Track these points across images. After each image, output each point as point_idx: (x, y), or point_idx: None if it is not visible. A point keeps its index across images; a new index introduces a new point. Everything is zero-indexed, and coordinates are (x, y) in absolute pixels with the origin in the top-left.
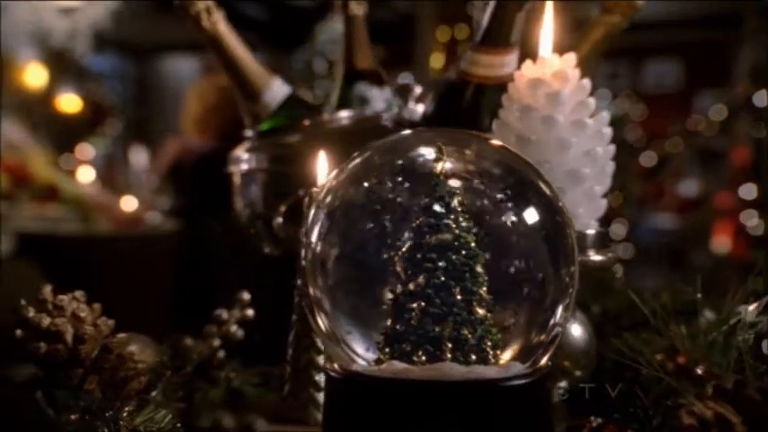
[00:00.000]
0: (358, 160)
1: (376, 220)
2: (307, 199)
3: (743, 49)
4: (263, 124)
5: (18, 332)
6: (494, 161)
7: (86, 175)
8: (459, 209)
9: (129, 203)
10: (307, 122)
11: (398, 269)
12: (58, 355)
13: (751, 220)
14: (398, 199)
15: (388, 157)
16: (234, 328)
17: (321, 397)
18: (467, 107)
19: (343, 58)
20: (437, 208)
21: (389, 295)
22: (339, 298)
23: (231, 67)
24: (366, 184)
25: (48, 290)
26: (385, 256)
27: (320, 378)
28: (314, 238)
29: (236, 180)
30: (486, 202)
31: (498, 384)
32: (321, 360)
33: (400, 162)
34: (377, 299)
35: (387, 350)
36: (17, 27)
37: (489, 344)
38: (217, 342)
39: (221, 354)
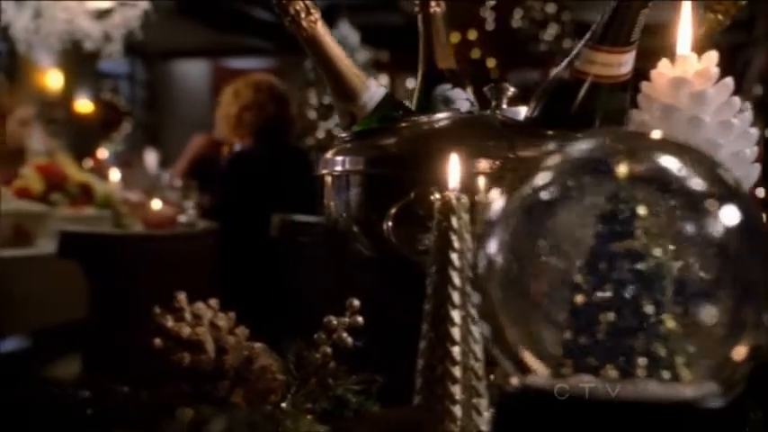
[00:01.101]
0: (536, 165)
1: (557, 228)
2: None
3: (754, 53)
4: (358, 125)
5: (157, 342)
6: (680, 161)
7: (115, 176)
8: (646, 214)
9: (157, 204)
10: (404, 124)
11: (580, 279)
12: (203, 367)
13: None
14: (584, 204)
15: (568, 162)
16: (345, 335)
17: (458, 410)
18: (578, 107)
19: (422, 59)
20: (623, 214)
21: (570, 306)
22: (513, 308)
23: (328, 67)
24: (547, 190)
25: (183, 297)
26: (565, 264)
27: (456, 390)
28: (488, 245)
29: (328, 182)
30: (674, 204)
31: (698, 405)
32: (457, 371)
33: (581, 166)
34: (555, 309)
35: (568, 364)
36: (52, 30)
37: (681, 360)
38: (329, 350)
39: (333, 363)
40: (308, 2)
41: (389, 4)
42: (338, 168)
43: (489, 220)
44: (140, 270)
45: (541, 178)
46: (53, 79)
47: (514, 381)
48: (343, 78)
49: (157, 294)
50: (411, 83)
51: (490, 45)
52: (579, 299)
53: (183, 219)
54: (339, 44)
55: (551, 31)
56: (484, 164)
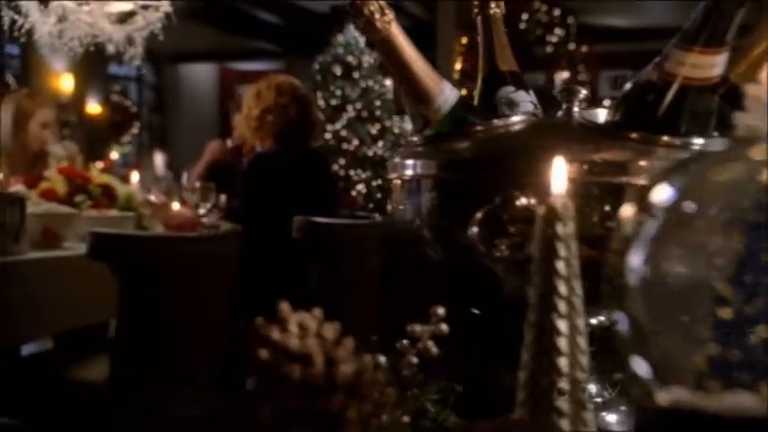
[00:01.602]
0: (693, 172)
1: (699, 239)
2: (509, 206)
3: None
4: (432, 129)
5: (263, 354)
6: None
7: (135, 178)
8: None
9: (176, 206)
10: (478, 128)
11: (727, 291)
12: (314, 381)
13: None
14: (729, 215)
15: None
16: (430, 343)
17: (565, 424)
18: (666, 110)
19: (482, 61)
20: None
21: (715, 319)
22: (655, 321)
23: (402, 69)
24: (689, 202)
25: (286, 307)
26: (709, 276)
27: (563, 403)
28: (630, 257)
29: (397, 187)
30: None
31: None
32: (564, 384)
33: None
34: (698, 323)
35: (715, 379)
36: (74, 34)
37: None
38: (415, 360)
39: (420, 373)
40: (381, 2)
41: (395, 7)
42: (409, 172)
43: (630, 231)
44: (170, 271)
45: (683, 189)
46: (65, 82)
47: (662, 397)
48: (418, 81)
49: (186, 296)
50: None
51: None
52: (726, 312)
53: (206, 221)
54: (346, 47)
55: (557, 34)
56: (569, 168)
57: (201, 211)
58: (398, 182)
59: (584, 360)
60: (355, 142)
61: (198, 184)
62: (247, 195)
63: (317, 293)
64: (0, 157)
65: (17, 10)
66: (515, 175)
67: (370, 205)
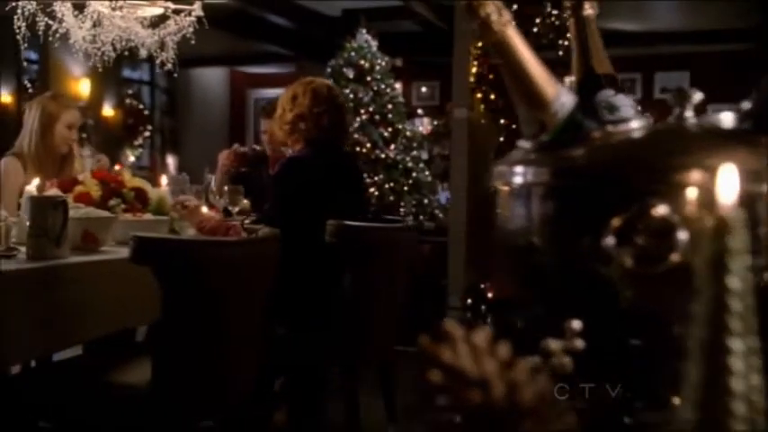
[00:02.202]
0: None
1: None
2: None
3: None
4: (549, 134)
5: (435, 376)
6: None
7: (164, 181)
8: None
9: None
10: (596, 134)
11: None
12: (495, 407)
13: None
14: None
15: None
16: (566, 359)
17: None
18: None
19: (576, 65)
20: None
21: None
22: None
23: (518, 72)
24: None
25: (454, 326)
26: None
27: (739, 426)
28: None
29: (504, 194)
30: None
31: None
32: (740, 407)
33: None
34: None
35: None
36: (107, 38)
37: None
38: (549, 375)
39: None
40: (498, 3)
41: (404, 12)
42: (519, 180)
43: None
44: (212, 275)
45: None
46: (83, 86)
47: None
48: (534, 84)
49: (227, 299)
50: (424, 89)
51: None
52: None
53: (242, 225)
54: (358, 51)
55: (568, 38)
56: (702, 177)
57: (230, 214)
58: (505, 189)
59: (759, 380)
60: (368, 145)
61: (226, 188)
62: (280, 199)
63: (349, 297)
64: (27, 159)
65: (51, 15)
66: (639, 183)
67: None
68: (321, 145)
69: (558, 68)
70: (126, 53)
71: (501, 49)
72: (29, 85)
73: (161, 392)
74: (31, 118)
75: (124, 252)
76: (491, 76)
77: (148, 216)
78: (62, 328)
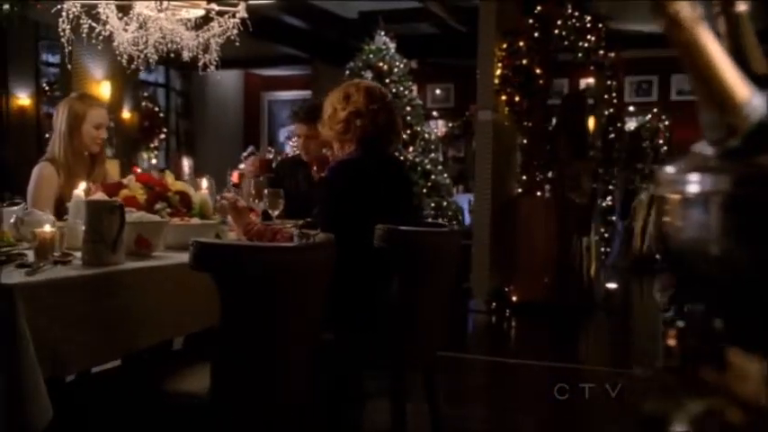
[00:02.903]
0: None
1: None
2: None
3: None
4: (736, 139)
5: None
6: None
7: (204, 184)
8: None
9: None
10: None
11: None
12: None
13: None
14: None
15: None
16: None
17: None
18: None
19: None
20: None
21: None
22: None
23: (707, 72)
24: None
25: (737, 354)
26: None
27: None
28: None
29: (674, 202)
30: None
31: None
32: None
33: None
34: None
35: None
36: (151, 41)
37: None
38: None
39: None
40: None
41: (421, 14)
42: (694, 188)
43: None
44: (274, 281)
45: None
46: (104, 89)
47: None
48: (725, 86)
49: (287, 306)
50: (438, 91)
51: (535, 53)
52: None
53: (294, 230)
54: (377, 53)
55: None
56: None
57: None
58: (676, 197)
59: None
60: None
61: (266, 191)
62: (331, 203)
63: (397, 301)
64: (59, 163)
65: (95, 18)
66: None
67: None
68: (372, 146)
69: (576, 70)
70: (171, 55)
71: (689, 49)
72: (47, 88)
73: (221, 400)
74: (59, 120)
75: (177, 257)
76: (516, 78)
77: (195, 220)
78: (121, 334)
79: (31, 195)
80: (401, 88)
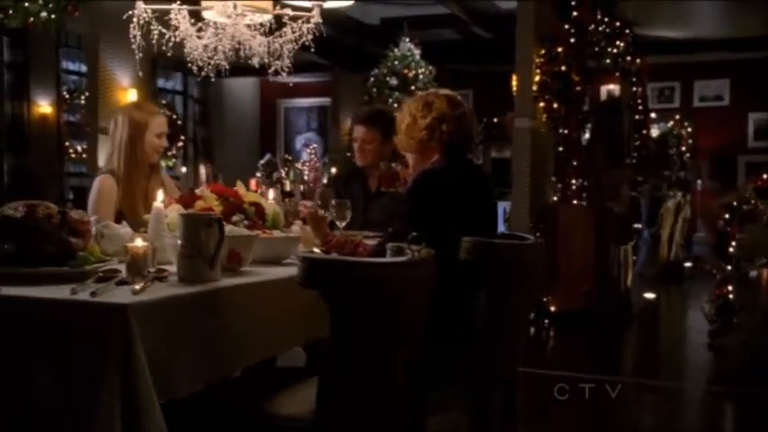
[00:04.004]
0: None
1: None
2: None
3: None
4: None
5: None
6: None
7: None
8: None
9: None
10: None
11: None
12: None
13: None
14: None
15: None
16: None
17: None
18: None
19: None
20: None
21: None
22: None
23: None
24: None
25: None
26: None
27: None
28: None
29: None
30: None
31: None
32: None
33: None
34: None
35: None
36: (222, 47)
37: None
38: None
39: None
40: None
41: (442, 21)
42: None
43: None
44: (384, 297)
45: None
46: (131, 97)
47: None
48: None
49: (394, 323)
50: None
51: (573, 59)
52: None
53: (369, 242)
54: (402, 59)
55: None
56: None
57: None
58: None
59: None
60: None
61: (333, 202)
62: (418, 215)
63: (483, 315)
64: (119, 174)
65: (166, 24)
66: None
67: None
68: (456, 153)
69: (599, 77)
70: (241, 61)
71: None
72: (67, 96)
73: (328, 422)
74: (119, 131)
75: (269, 272)
76: (554, 85)
77: (277, 233)
78: (226, 354)
79: (92, 208)
80: None
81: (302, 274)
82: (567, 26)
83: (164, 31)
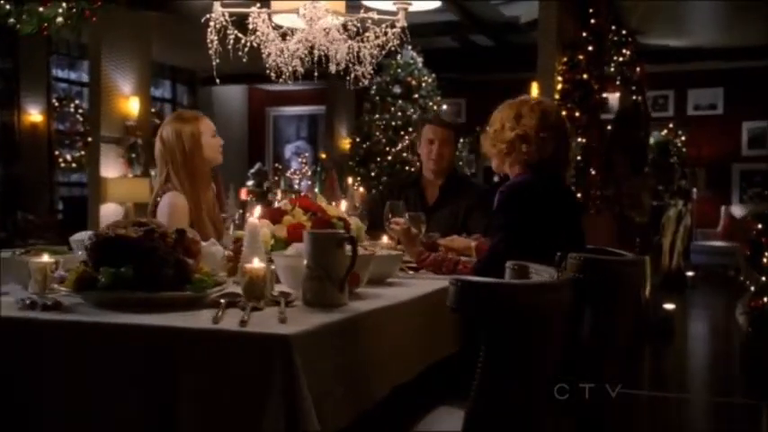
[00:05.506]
0: None
1: None
2: None
3: None
4: None
5: None
6: None
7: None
8: None
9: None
10: None
11: None
12: None
13: None
14: None
15: None
16: None
17: None
18: None
19: None
20: None
21: None
22: None
23: None
24: None
25: None
26: None
27: None
28: None
29: None
30: None
31: None
32: None
33: None
34: None
35: None
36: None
37: None
38: None
39: None
40: None
41: (444, 28)
42: None
43: None
44: (535, 321)
45: None
46: (133, 105)
47: None
48: None
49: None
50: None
51: (593, 66)
52: None
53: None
54: (405, 68)
55: (624, 54)
56: None
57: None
58: None
59: None
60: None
61: (407, 215)
62: (511, 230)
63: (588, 334)
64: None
65: (244, 28)
66: None
67: None
68: (539, 170)
69: (604, 84)
70: (325, 66)
71: None
72: (57, 104)
73: None
74: (174, 149)
75: (385, 293)
76: (576, 93)
77: (380, 251)
78: (370, 383)
79: (168, 227)
80: (430, 103)
81: (456, 297)
82: (585, 34)
83: (239, 35)
